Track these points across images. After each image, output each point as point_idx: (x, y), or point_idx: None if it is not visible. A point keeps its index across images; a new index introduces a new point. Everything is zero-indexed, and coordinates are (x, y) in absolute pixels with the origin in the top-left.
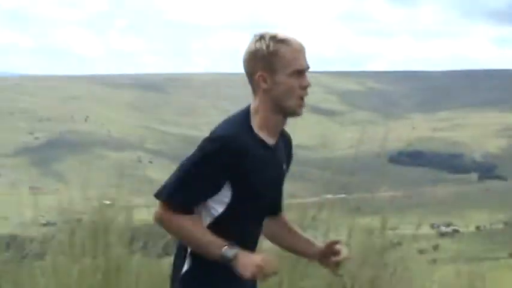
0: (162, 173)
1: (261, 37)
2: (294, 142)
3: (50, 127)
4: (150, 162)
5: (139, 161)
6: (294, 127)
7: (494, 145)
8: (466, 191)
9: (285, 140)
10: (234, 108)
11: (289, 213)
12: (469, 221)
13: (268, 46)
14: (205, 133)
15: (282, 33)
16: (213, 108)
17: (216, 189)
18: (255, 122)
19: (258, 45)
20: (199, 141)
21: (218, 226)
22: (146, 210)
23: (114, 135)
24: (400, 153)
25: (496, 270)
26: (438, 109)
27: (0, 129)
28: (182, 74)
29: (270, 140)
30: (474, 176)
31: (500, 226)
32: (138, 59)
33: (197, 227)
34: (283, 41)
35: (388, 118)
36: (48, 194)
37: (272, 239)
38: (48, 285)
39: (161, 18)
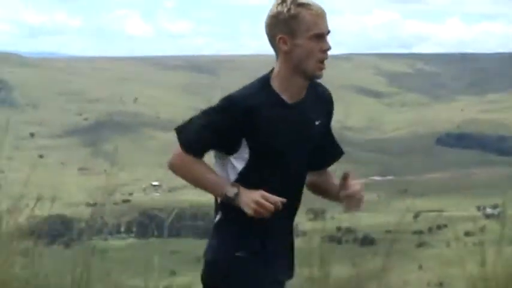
0: (208, 154)
1: (283, 1)
2: (342, 123)
3: (99, 108)
4: None
5: None
6: (342, 109)
7: None
8: None
9: (319, 94)
10: None
11: None
12: None
13: (289, 9)
14: None
15: None
16: None
17: (230, 146)
18: (276, 83)
19: (279, 8)
20: None
21: (243, 182)
22: (194, 191)
23: (163, 116)
24: (448, 135)
25: None
26: (487, 91)
27: (50, 110)
28: (232, 56)
29: (292, 100)
30: None
31: None
32: (187, 41)
33: (204, 168)
34: (303, 5)
35: (437, 100)
36: (97, 175)
37: (312, 189)
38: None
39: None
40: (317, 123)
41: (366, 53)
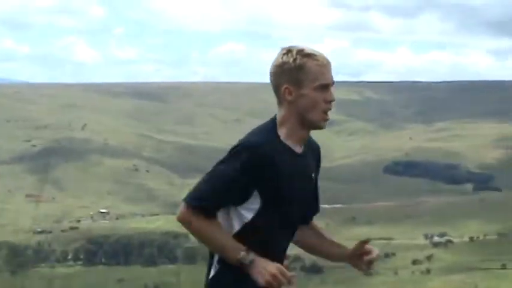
0: (159, 181)
1: (289, 51)
2: None
3: (47, 135)
4: (147, 170)
5: (136, 169)
6: None
7: (490, 156)
8: (461, 202)
9: (313, 148)
10: (232, 118)
11: None
12: (463, 232)
13: (295, 60)
14: (203, 142)
15: (309, 48)
16: (211, 118)
17: (242, 196)
18: (282, 132)
19: (285, 58)
20: (196, 150)
21: (247, 233)
22: (142, 219)
23: (111, 143)
24: (396, 164)
25: (489, 281)
26: (436, 120)
27: None
28: (180, 83)
29: (297, 149)
30: (469, 186)
31: (494, 237)
32: (136, 68)
33: (217, 230)
34: (309, 56)
35: (385, 128)
36: (45, 202)
37: (305, 245)
38: None
39: (159, 26)
40: (313, 175)
41: None
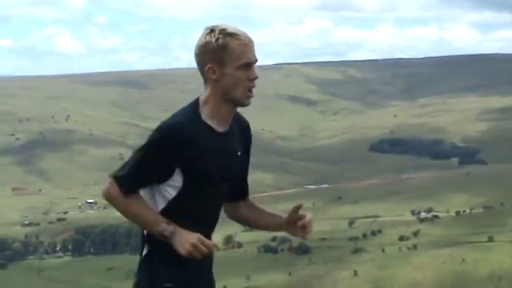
0: None
1: (211, 30)
2: (276, 133)
3: (31, 127)
4: None
5: (122, 158)
6: (273, 117)
7: (474, 129)
8: (447, 176)
9: (241, 125)
10: None
11: (273, 205)
12: (450, 206)
13: (217, 39)
14: None
15: (232, 27)
16: None
17: (164, 174)
18: (205, 111)
19: (208, 38)
20: None
21: (172, 209)
22: None
23: (96, 133)
24: (382, 141)
25: (476, 254)
26: (419, 96)
27: None
28: (163, 70)
29: (220, 128)
30: (455, 161)
31: (480, 210)
32: (119, 56)
33: (141, 206)
34: (232, 35)
35: (370, 107)
36: (31, 194)
37: (240, 220)
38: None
39: (140, 14)
40: (239, 153)
41: (298, 62)
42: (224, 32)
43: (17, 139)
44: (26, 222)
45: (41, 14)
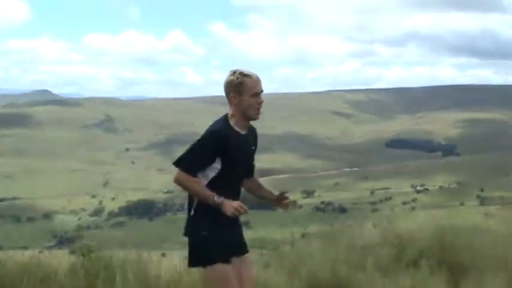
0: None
1: (234, 72)
2: (325, 135)
3: (169, 130)
4: None
5: None
6: (324, 125)
7: (452, 133)
8: (434, 163)
9: (252, 131)
10: None
11: (323, 180)
12: (436, 183)
13: (238, 78)
14: None
15: (246, 70)
16: None
17: (210, 161)
18: (232, 121)
19: (231, 77)
20: None
21: (212, 184)
22: None
23: None
24: (392, 141)
25: (452, 213)
26: (417, 112)
27: (137, 132)
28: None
29: (242, 132)
30: (439, 153)
31: (455, 185)
32: None
33: (198, 184)
34: (246, 75)
35: (384, 118)
36: (169, 174)
37: (248, 190)
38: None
39: (243, 58)
40: (252, 148)
41: (340, 89)
42: (242, 73)
43: (159, 137)
44: (165, 191)
45: (176, 58)
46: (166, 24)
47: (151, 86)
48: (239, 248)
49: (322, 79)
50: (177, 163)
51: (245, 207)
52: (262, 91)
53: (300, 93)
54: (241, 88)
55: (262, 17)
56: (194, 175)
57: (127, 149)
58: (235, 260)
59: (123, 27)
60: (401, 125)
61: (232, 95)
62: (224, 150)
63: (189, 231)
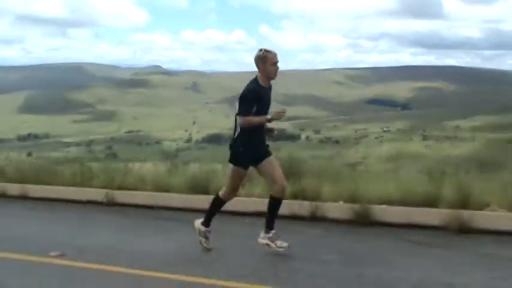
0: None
1: (260, 50)
2: (328, 96)
3: (232, 92)
4: None
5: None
6: (328, 90)
7: (409, 95)
8: (396, 114)
9: (270, 86)
10: None
11: (325, 124)
12: (396, 126)
13: (263, 53)
14: None
15: (269, 49)
16: None
17: (253, 108)
18: (260, 81)
19: (259, 53)
20: None
21: (255, 116)
22: None
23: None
24: (370, 100)
25: (403, 144)
26: (387, 82)
27: (213, 93)
28: None
29: (266, 86)
30: (399, 108)
31: (408, 128)
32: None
33: (254, 118)
34: (268, 51)
35: (366, 86)
36: (232, 117)
37: None
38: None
39: None
40: (270, 96)
41: (338, 67)
42: (265, 50)
43: (226, 96)
44: (229, 128)
45: (238, 47)
46: (232, 25)
47: (223, 64)
48: (265, 156)
49: (327, 62)
50: (239, 113)
51: (283, 109)
52: (278, 61)
53: (313, 70)
54: (265, 60)
55: (291, 22)
56: (249, 115)
57: (207, 103)
58: (263, 161)
59: (205, 26)
60: (376, 90)
61: (260, 64)
62: (258, 100)
63: (232, 146)
